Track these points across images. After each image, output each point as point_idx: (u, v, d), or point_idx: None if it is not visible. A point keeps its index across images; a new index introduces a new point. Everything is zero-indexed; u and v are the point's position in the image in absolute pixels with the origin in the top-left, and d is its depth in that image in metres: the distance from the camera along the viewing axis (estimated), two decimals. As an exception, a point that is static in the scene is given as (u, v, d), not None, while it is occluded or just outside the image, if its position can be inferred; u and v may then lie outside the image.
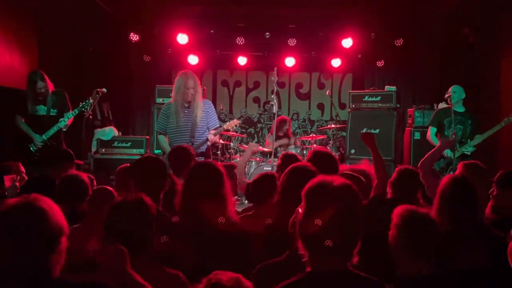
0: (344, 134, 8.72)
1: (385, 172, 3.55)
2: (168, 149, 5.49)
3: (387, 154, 7.79)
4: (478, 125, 6.35)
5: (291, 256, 2.28)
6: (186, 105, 5.58)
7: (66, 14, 8.11)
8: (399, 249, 2.33)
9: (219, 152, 8.11)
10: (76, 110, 5.96)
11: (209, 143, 5.59)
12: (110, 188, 3.30)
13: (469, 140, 6.18)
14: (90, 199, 3.23)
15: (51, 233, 1.76)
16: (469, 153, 6.09)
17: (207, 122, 5.64)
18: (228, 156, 8.47)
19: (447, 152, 6.15)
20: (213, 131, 5.61)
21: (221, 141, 7.97)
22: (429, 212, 2.46)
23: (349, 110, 8.36)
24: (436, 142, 6.35)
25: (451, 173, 5.75)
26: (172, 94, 5.69)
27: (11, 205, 1.77)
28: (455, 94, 6.26)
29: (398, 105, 8.01)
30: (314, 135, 8.53)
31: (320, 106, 10.78)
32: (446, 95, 6.30)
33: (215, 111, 5.86)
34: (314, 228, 1.82)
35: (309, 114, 10.80)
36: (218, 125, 5.69)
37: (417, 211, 2.37)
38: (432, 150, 4.24)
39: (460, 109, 6.34)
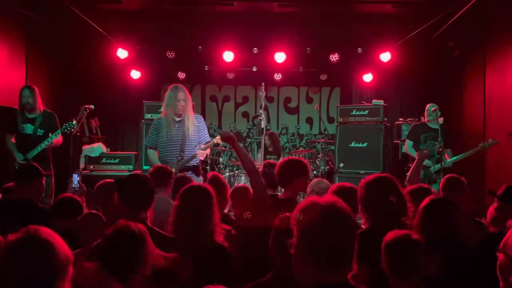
0: (333, 148, 8.75)
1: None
2: (158, 163, 5.36)
3: (376, 167, 7.84)
4: (450, 140, 6.74)
5: (275, 276, 2.35)
6: (177, 119, 5.53)
7: (54, 30, 8.13)
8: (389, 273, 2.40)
9: (208, 167, 8.11)
10: (59, 131, 5.94)
11: (200, 158, 5.54)
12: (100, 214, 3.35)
13: (436, 155, 6.54)
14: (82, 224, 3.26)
15: (60, 263, 1.76)
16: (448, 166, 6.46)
17: (198, 137, 5.59)
18: (217, 171, 8.47)
19: (427, 163, 6.56)
20: (203, 146, 5.58)
21: (209, 155, 7.96)
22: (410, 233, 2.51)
23: (337, 124, 8.41)
24: (414, 153, 6.61)
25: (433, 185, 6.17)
26: (163, 108, 5.65)
27: (14, 242, 1.76)
28: (432, 112, 6.72)
29: (385, 119, 8.07)
30: (303, 149, 8.55)
31: (309, 120, 10.83)
32: (433, 109, 6.48)
33: (205, 126, 5.81)
34: (311, 245, 1.84)
35: (298, 128, 10.85)
36: (209, 140, 5.61)
37: (400, 234, 2.44)
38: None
39: (435, 125, 6.69)
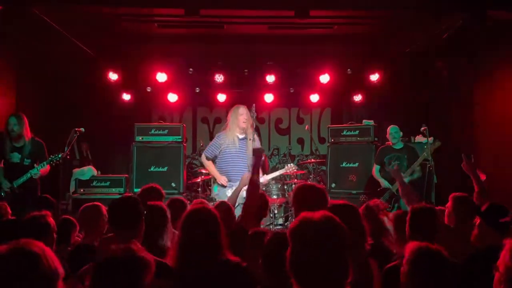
0: (324, 168, 8.76)
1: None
2: (216, 174, 6.33)
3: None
4: (414, 159, 6.85)
5: None
6: (241, 137, 6.12)
7: (44, 54, 8.13)
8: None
9: (200, 189, 8.06)
10: (45, 162, 5.98)
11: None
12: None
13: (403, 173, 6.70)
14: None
15: (46, 278, 1.71)
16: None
17: None
18: (209, 193, 8.41)
19: (385, 183, 6.91)
20: (268, 177, 6.31)
21: (200, 178, 7.91)
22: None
23: (328, 144, 8.44)
24: (380, 177, 7.10)
25: (396, 205, 6.51)
26: (228, 125, 6.35)
27: (2, 251, 1.71)
28: (396, 134, 7.07)
29: (376, 139, 8.11)
30: (295, 170, 8.51)
31: (300, 141, 10.85)
32: (422, 128, 6.52)
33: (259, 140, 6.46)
34: (304, 265, 1.83)
35: (290, 149, 10.85)
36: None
37: (429, 248, 2.42)
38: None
39: (399, 146, 7.09)
